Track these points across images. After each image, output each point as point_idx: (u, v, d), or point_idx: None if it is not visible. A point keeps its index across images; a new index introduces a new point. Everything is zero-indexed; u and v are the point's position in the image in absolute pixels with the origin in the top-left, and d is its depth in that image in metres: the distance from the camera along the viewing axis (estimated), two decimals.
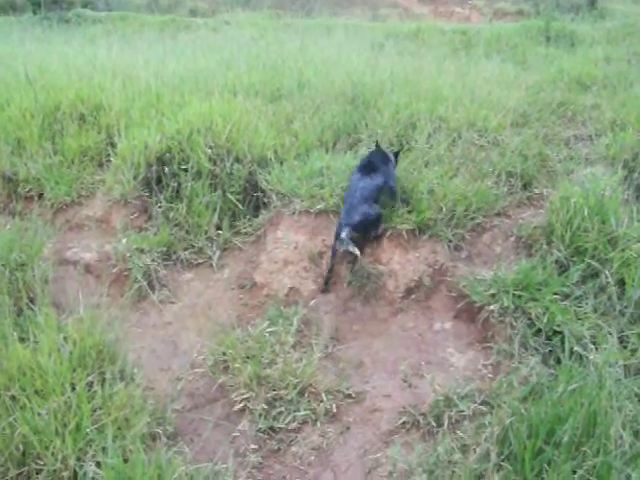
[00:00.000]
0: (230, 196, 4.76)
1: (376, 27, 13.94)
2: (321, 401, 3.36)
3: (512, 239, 4.37)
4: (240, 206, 4.78)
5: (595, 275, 3.82)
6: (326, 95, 6.03)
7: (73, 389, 2.92)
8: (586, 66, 8.42)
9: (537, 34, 12.40)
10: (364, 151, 5.00)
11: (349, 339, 3.96)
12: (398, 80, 6.38)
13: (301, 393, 3.37)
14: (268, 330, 3.78)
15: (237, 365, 3.50)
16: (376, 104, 5.79)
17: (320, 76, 6.56)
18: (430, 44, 10.83)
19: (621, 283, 3.74)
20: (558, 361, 3.32)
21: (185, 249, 4.60)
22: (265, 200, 4.76)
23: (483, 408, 3.17)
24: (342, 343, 3.90)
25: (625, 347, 3.38)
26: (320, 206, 4.42)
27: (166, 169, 4.83)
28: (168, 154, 4.88)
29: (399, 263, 4.22)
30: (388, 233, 4.27)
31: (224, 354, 3.62)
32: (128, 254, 4.37)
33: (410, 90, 6.01)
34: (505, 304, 3.67)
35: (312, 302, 4.13)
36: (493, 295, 3.78)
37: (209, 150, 4.84)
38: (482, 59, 8.53)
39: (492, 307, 3.72)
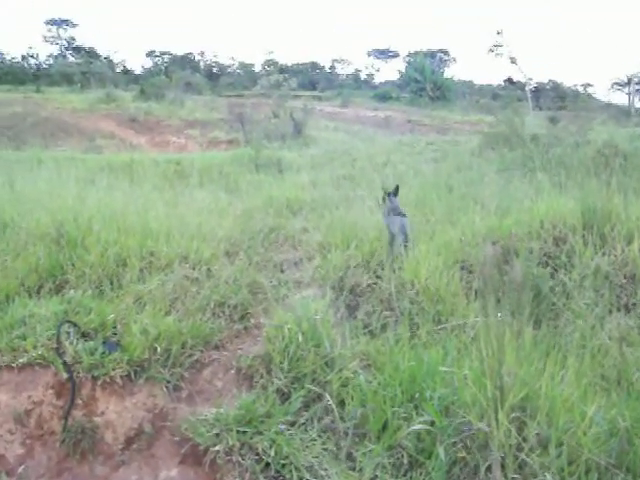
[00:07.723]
0: None
1: (90, 159, 13.80)
2: None
3: (232, 372, 4.26)
4: None
5: (317, 399, 3.83)
6: (31, 235, 5.63)
7: None
8: (294, 191, 8.96)
9: (248, 162, 13.13)
10: (72, 294, 4.70)
11: None
12: (106, 215, 6.18)
13: None
14: None
15: None
16: (83, 242, 5.51)
17: (25, 215, 6.15)
18: (144, 175, 10.84)
19: (342, 404, 3.77)
20: None
21: None
22: None
23: None
24: None
25: (354, 468, 3.38)
26: (23, 359, 3.97)
27: None
28: None
29: (115, 412, 3.89)
30: (100, 381, 3.96)
31: None
32: None
33: (118, 225, 5.84)
34: (230, 442, 3.50)
35: (20, 469, 3.64)
36: (217, 434, 3.59)
37: None
38: (196, 188, 8.71)
39: (217, 447, 3.51)
